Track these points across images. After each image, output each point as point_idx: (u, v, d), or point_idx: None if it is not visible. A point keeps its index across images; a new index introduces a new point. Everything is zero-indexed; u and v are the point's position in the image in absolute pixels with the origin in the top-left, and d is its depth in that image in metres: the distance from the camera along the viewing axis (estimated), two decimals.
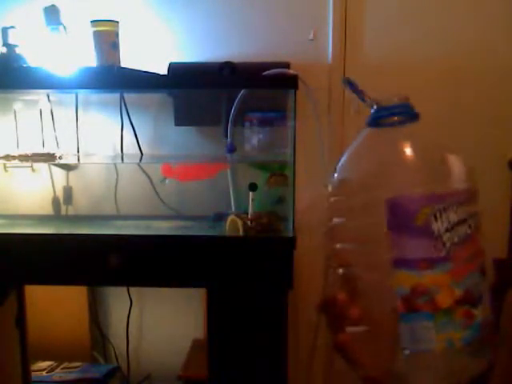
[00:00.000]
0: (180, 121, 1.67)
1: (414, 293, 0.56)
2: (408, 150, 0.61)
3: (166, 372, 1.84)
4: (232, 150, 1.56)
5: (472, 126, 1.73)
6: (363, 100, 0.66)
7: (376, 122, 0.62)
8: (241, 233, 1.39)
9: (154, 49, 1.72)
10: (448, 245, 0.56)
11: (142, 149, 1.75)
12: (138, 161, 1.72)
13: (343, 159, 0.62)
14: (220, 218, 1.53)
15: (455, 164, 0.61)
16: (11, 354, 1.56)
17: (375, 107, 0.62)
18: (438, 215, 0.55)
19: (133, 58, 1.59)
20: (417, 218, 0.56)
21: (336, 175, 0.62)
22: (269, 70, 1.42)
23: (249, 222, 1.40)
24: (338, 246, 0.62)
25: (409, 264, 0.56)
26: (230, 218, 1.44)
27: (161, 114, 1.75)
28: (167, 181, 1.69)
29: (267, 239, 1.38)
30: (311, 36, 1.71)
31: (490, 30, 1.69)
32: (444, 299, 0.55)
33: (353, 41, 1.71)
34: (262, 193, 1.51)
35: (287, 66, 1.58)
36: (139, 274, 1.40)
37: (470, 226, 0.57)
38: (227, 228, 1.44)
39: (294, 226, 1.38)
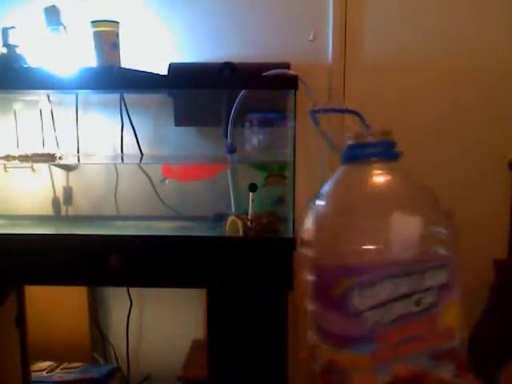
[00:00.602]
0: (180, 121, 1.67)
1: (330, 369, 0.49)
2: (363, 205, 0.50)
3: (166, 372, 1.84)
4: (232, 150, 1.56)
5: (472, 126, 1.73)
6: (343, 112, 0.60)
7: (350, 160, 0.53)
8: (241, 233, 1.39)
9: (154, 49, 1.72)
10: (372, 324, 0.46)
11: (142, 149, 1.75)
12: (138, 161, 1.73)
13: (321, 194, 0.53)
14: (220, 218, 1.53)
15: (402, 228, 0.47)
16: (11, 354, 1.56)
17: (351, 141, 0.53)
18: (358, 290, 0.46)
19: (133, 58, 1.59)
20: (335, 290, 0.47)
21: (311, 212, 0.53)
22: (269, 70, 1.42)
23: (249, 223, 1.40)
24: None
25: (326, 337, 0.49)
26: (230, 219, 1.44)
27: (161, 115, 1.75)
28: (167, 181, 1.69)
29: (267, 240, 1.38)
30: (311, 37, 1.71)
31: (489, 30, 1.69)
32: (361, 383, 0.47)
33: (353, 41, 1.71)
34: (262, 193, 1.51)
35: (287, 66, 1.58)
36: (139, 275, 1.40)
37: (418, 303, 0.47)
38: (227, 228, 1.44)
39: (294, 227, 1.38)
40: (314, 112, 0.57)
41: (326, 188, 0.52)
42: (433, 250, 0.48)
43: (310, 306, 0.51)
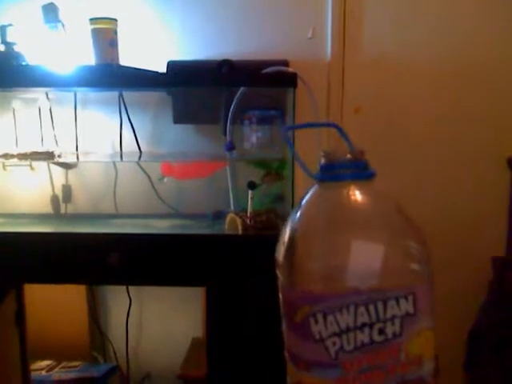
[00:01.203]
0: (179, 119, 1.67)
1: None
2: (326, 230, 0.49)
3: (166, 371, 1.84)
4: (231, 148, 1.56)
5: (471, 124, 1.73)
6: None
7: (320, 180, 0.52)
8: (240, 231, 1.39)
9: (152, 47, 1.72)
10: (334, 351, 0.46)
11: (140, 147, 1.74)
12: (137, 159, 1.72)
13: (295, 212, 0.52)
14: (219, 216, 1.53)
15: (364, 257, 0.46)
16: (11, 353, 1.55)
17: (323, 162, 0.51)
18: (319, 317, 0.45)
19: (131, 56, 1.59)
20: (296, 315, 0.47)
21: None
22: (267, 67, 1.42)
23: (248, 220, 1.40)
24: None
25: (293, 358, 0.50)
26: (229, 216, 1.44)
27: (160, 112, 1.75)
28: (165, 179, 1.69)
29: (266, 237, 1.38)
30: (310, 34, 1.71)
31: (490, 29, 1.69)
32: None
33: (352, 39, 1.71)
34: (261, 191, 1.51)
35: (286, 64, 1.58)
36: (138, 273, 1.40)
37: (381, 332, 0.46)
38: (226, 226, 1.44)
39: None
40: (287, 128, 0.55)
41: (299, 207, 0.52)
42: (399, 279, 0.47)
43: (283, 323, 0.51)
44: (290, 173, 1.41)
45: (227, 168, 1.60)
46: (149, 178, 1.74)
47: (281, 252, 0.50)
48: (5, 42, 1.51)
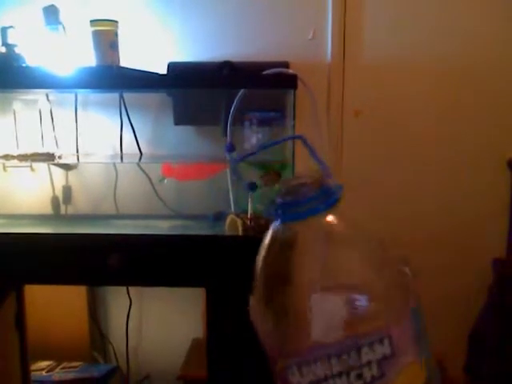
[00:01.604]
0: (179, 120, 1.67)
1: None
2: (291, 283, 0.48)
3: (166, 372, 1.84)
4: (231, 149, 1.56)
5: (471, 125, 1.73)
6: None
7: (283, 219, 0.49)
8: (240, 232, 1.39)
9: (153, 48, 1.72)
10: None
11: (141, 148, 1.75)
12: (138, 160, 1.72)
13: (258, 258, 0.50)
14: (219, 217, 1.53)
15: (326, 309, 0.45)
16: (11, 353, 1.56)
17: (281, 200, 0.49)
18: (294, 369, 0.47)
19: (132, 57, 1.59)
20: (276, 365, 0.48)
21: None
22: (268, 69, 1.42)
23: (248, 222, 1.40)
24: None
25: None
26: (229, 218, 1.44)
27: (160, 114, 1.75)
28: (166, 180, 1.69)
29: None
30: (310, 35, 1.71)
31: (489, 30, 1.69)
32: None
33: (352, 40, 1.71)
34: (261, 192, 1.50)
35: (286, 65, 1.58)
36: (139, 274, 1.39)
37: (359, 377, 0.45)
38: (227, 227, 1.44)
39: None
40: (237, 161, 0.55)
41: (261, 255, 0.50)
42: (371, 323, 0.46)
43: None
44: (291, 175, 1.41)
45: (227, 169, 1.60)
46: (149, 179, 1.74)
47: (251, 310, 0.50)
48: (6, 44, 1.51)
